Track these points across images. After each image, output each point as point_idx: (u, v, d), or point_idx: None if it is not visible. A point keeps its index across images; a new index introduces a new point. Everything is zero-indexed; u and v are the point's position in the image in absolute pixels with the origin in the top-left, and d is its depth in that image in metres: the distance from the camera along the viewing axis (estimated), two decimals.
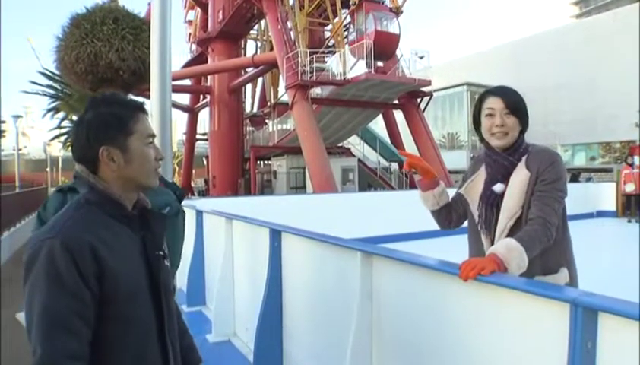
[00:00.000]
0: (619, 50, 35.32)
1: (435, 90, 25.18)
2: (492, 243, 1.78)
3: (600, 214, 13.26)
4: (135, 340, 1.17)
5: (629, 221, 12.03)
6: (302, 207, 8.92)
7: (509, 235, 1.71)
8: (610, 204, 12.41)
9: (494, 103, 1.78)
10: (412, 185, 25.05)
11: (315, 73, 19.32)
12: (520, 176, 1.75)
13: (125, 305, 1.16)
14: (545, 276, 1.70)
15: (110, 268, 1.14)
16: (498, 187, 1.78)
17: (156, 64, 3.58)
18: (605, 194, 12.69)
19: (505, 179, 1.78)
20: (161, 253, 1.29)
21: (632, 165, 12.45)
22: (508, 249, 1.53)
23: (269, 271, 3.10)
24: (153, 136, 1.28)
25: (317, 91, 21.79)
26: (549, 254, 1.67)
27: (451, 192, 2.09)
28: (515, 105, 1.78)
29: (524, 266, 1.54)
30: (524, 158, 1.79)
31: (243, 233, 3.98)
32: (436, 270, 1.72)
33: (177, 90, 28.07)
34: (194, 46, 31.25)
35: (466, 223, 2.00)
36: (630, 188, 12.11)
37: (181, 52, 39.79)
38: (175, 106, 32.31)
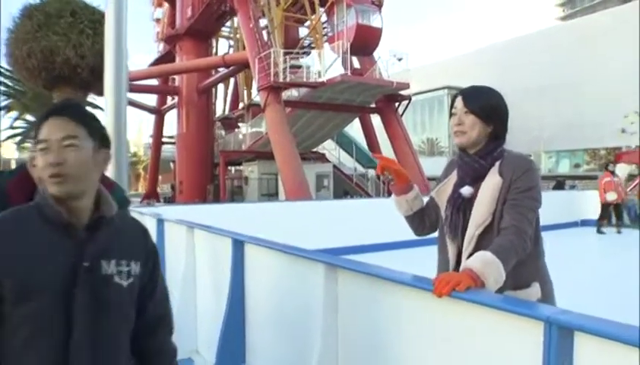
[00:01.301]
0: (605, 54, 36.24)
1: (414, 94, 25.41)
2: (458, 250, 1.77)
3: (585, 223, 13.47)
4: (27, 345, 1.21)
5: (600, 232, 12.24)
6: (274, 216, 8.96)
7: (478, 244, 1.70)
8: (595, 213, 12.63)
9: (457, 102, 1.82)
10: (389, 193, 25.07)
11: (289, 73, 19.35)
12: (491, 181, 1.75)
13: (16, 308, 1.20)
14: (516, 291, 1.68)
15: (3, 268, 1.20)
16: (465, 190, 1.79)
17: (110, 61, 3.48)
18: (590, 202, 12.90)
19: (475, 183, 1.79)
20: (99, 265, 1.28)
21: (612, 172, 12.67)
22: (484, 263, 1.51)
23: (231, 284, 3.08)
24: (44, 141, 1.27)
25: (293, 93, 21.76)
26: (520, 267, 1.65)
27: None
28: (476, 104, 1.79)
29: (501, 281, 1.52)
30: (497, 164, 1.79)
31: (205, 243, 3.93)
32: (408, 285, 1.68)
33: (143, 90, 27.71)
34: (161, 45, 30.94)
35: None
36: (612, 197, 12.30)
37: (149, 50, 39.38)
38: (141, 107, 31.88)
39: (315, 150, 26.31)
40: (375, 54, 22.83)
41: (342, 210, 10.05)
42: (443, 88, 45.06)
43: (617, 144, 30.71)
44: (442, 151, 45.56)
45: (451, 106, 1.86)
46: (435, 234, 2.00)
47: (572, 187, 22.76)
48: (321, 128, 23.37)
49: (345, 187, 24.68)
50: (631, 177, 14.98)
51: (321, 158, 26.45)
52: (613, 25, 36.31)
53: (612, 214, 12.64)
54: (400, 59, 22.27)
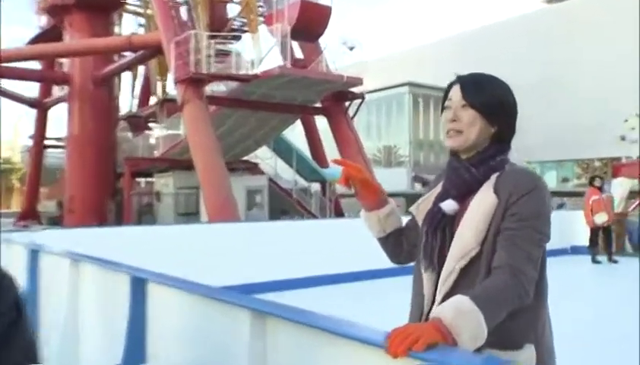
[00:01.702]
0: (600, 43, 38.13)
1: (368, 92, 25.88)
2: (435, 286, 1.76)
3: (576, 250, 13.86)
4: None
5: (595, 261, 12.67)
6: (193, 242, 8.99)
7: (458, 282, 1.69)
8: (584, 238, 13.10)
9: (453, 92, 1.83)
10: (338, 212, 25.49)
11: (214, 62, 19.39)
12: (484, 199, 1.73)
13: None
14: (502, 351, 1.64)
15: None
16: (447, 204, 1.79)
17: None
18: (581, 225, 13.35)
19: (462, 199, 1.79)
20: None
21: (600, 189, 13.02)
22: (458, 312, 1.47)
23: (128, 335, 3.05)
24: None
25: (220, 87, 21.87)
26: (512, 321, 1.61)
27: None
28: (477, 95, 1.79)
29: (481, 337, 1.48)
30: (494, 177, 1.77)
31: (95, 280, 3.93)
32: (355, 340, 1.60)
33: (18, 75, 26.57)
34: (44, 19, 29.84)
35: None
36: (601, 219, 12.65)
37: (28, 23, 38.03)
38: (17, 98, 30.64)
39: (245, 159, 26.32)
40: (322, 41, 23.14)
41: (279, 233, 10.14)
42: (404, 85, 46.18)
43: (615, 154, 32.10)
44: (402, 161, 46.46)
45: (444, 97, 1.86)
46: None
47: (560, 206, 23.54)
48: (253, 132, 23.48)
49: (283, 205, 24.74)
50: (632, 194, 15.64)
51: (254, 169, 26.55)
52: (610, 8, 38.18)
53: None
54: (352, 48, 22.72)
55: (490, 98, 1.79)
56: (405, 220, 2.07)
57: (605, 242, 13.02)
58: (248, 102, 21.20)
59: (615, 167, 16.78)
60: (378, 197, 2.00)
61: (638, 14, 34.63)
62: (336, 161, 2.00)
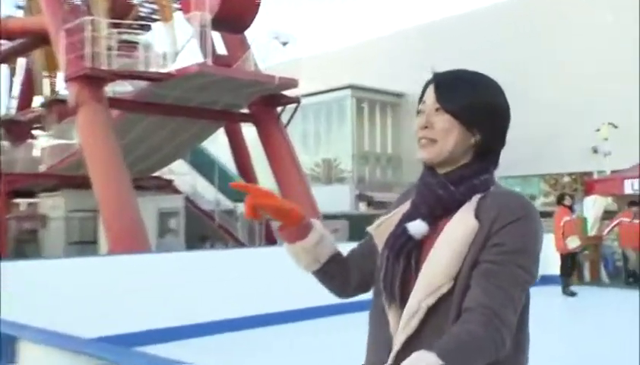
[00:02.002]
0: (568, 43, 39.37)
1: (304, 95, 26.01)
2: (398, 323, 1.76)
3: (547, 280, 14.14)
4: None
5: (568, 293, 12.94)
6: (88, 279, 8.61)
7: (425, 324, 1.69)
8: (556, 266, 13.33)
9: (427, 94, 1.85)
10: (269, 238, 25.39)
11: (117, 57, 19.11)
12: (461, 223, 1.73)
13: None
14: None
15: None
16: (415, 226, 1.79)
17: None
18: (551, 250, 13.62)
19: (434, 221, 1.79)
20: None
21: (571, 208, 13.40)
22: None
23: None
24: None
25: (126, 87, 21.55)
26: None
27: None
28: (453, 97, 1.79)
29: None
30: (476, 198, 1.77)
31: None
32: None
33: None
34: None
35: None
36: (574, 243, 12.96)
37: None
38: None
39: (157, 174, 26.06)
40: (250, 35, 23.10)
41: (198, 265, 10.03)
42: (346, 88, 46.70)
43: (585, 168, 33.12)
44: (344, 177, 46.76)
45: (420, 98, 1.87)
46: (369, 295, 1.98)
47: None
48: (167, 143, 23.22)
49: (203, 230, 24.62)
50: (607, 215, 16.10)
51: (167, 187, 26.37)
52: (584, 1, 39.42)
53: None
54: (285, 44, 22.73)
55: (469, 100, 1.78)
56: (343, 246, 2.06)
57: (572, 268, 13.36)
58: (160, 106, 20.84)
59: (587, 183, 17.24)
60: (299, 223, 1.96)
61: (614, 9, 36.07)
62: (236, 186, 1.98)
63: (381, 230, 1.93)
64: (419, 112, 1.84)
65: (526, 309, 1.74)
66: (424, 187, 1.84)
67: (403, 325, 1.71)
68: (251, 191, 1.88)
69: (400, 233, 1.80)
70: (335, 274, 2.03)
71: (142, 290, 8.72)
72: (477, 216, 1.72)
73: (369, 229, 1.97)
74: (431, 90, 1.82)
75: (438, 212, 1.79)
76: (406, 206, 1.90)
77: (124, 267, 9.39)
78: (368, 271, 1.98)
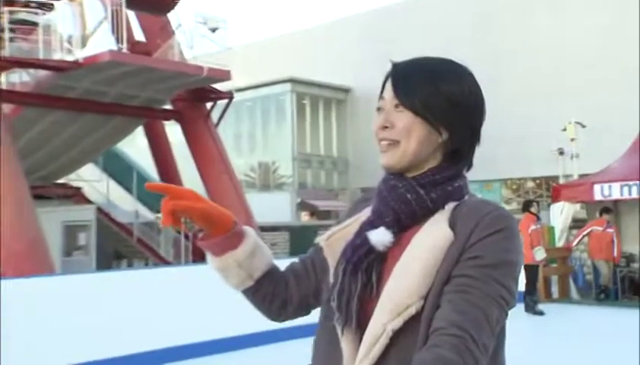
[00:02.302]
0: (532, 28, 39.99)
1: (238, 90, 25.88)
2: (355, 352, 1.74)
3: None
4: None
5: (533, 311, 13.06)
6: None
7: (390, 352, 1.67)
8: (521, 281, 13.42)
9: (386, 88, 1.84)
10: (199, 255, 25.04)
11: (10, 40, 19.02)
12: (433, 234, 1.72)
13: None
14: None
15: None
16: (378, 235, 1.76)
17: None
18: None
19: (400, 230, 1.77)
20: None
21: (537, 216, 13.58)
22: None
23: None
24: None
25: (22, 77, 21.15)
26: None
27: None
28: (413, 91, 1.78)
29: None
30: (449, 206, 1.76)
31: None
32: None
33: None
34: None
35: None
36: (541, 255, 13.20)
37: None
38: None
39: (62, 181, 25.95)
40: (173, 18, 22.80)
41: (113, 288, 9.68)
42: (285, 81, 46.64)
43: (550, 172, 33.64)
44: (284, 183, 46.65)
45: (380, 94, 1.84)
46: (311, 318, 1.98)
47: None
48: (73, 144, 23.05)
49: (119, 246, 24.74)
50: (577, 223, 16.27)
51: (75, 196, 26.25)
52: None
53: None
54: (214, 30, 22.70)
55: (429, 93, 1.77)
56: (283, 263, 2.04)
57: (532, 285, 13.37)
58: (65, 100, 20.69)
59: (553, 189, 17.40)
60: (229, 230, 1.89)
61: None
62: (151, 187, 1.85)
63: (333, 242, 1.91)
64: (378, 109, 1.82)
65: (502, 333, 1.73)
66: (388, 191, 1.82)
67: (363, 354, 1.68)
68: (170, 192, 1.79)
69: (360, 244, 1.77)
70: (271, 292, 2.00)
71: (41, 320, 8.39)
72: (452, 225, 1.71)
73: (319, 240, 1.94)
74: (389, 84, 1.81)
75: (405, 220, 1.77)
76: (363, 215, 1.88)
77: (17, 293, 9.04)
78: (311, 290, 1.99)
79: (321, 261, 1.95)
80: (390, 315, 1.67)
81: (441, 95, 1.77)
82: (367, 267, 1.76)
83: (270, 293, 2.01)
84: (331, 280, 1.86)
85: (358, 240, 1.79)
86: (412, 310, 1.65)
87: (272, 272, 2.01)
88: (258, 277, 1.97)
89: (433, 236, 1.71)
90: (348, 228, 1.90)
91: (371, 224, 1.80)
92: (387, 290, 1.71)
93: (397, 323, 1.66)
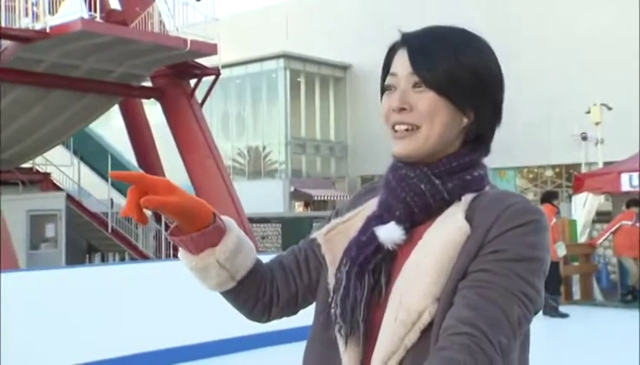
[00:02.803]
0: (546, 9, 40.05)
1: (225, 66, 25.92)
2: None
3: None
4: None
5: (554, 313, 13.11)
6: None
7: (403, 363, 1.63)
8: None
9: (398, 63, 1.77)
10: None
11: None
12: (447, 227, 1.68)
13: None
14: None
15: None
16: (388, 231, 1.72)
17: None
18: None
19: (413, 226, 1.74)
20: None
21: (557, 209, 13.67)
22: None
23: None
24: None
25: None
26: None
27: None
28: (439, 65, 1.71)
29: None
30: (466, 198, 1.71)
31: None
32: None
33: None
34: None
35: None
36: (562, 250, 13.24)
37: None
38: None
39: (28, 165, 26.13)
40: None
41: (85, 286, 9.63)
42: (278, 57, 46.70)
43: (572, 159, 33.65)
44: (275, 170, 46.74)
45: (384, 71, 1.79)
46: (301, 320, 2.01)
47: None
48: (40, 124, 23.11)
49: (92, 238, 24.80)
50: (601, 217, 16.25)
51: (43, 182, 26.30)
52: None
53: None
54: None
55: (455, 67, 1.72)
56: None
57: (560, 282, 13.47)
58: (30, 74, 20.72)
59: (576, 178, 17.25)
60: (206, 223, 1.80)
61: None
62: (117, 176, 1.73)
63: (333, 237, 1.86)
64: (386, 88, 1.76)
65: (526, 339, 1.72)
66: (398, 181, 1.77)
67: None
68: (135, 180, 1.67)
69: (366, 241, 1.73)
70: (255, 293, 1.95)
71: (4, 321, 8.24)
72: (469, 219, 1.66)
73: (317, 235, 1.89)
74: (402, 57, 1.74)
75: (418, 215, 1.73)
76: (368, 208, 1.85)
77: None
78: (302, 290, 1.95)
79: (316, 258, 1.92)
80: (404, 327, 1.63)
81: (465, 69, 1.72)
82: (375, 268, 1.73)
83: (254, 294, 1.97)
84: (330, 282, 1.82)
85: (364, 237, 1.76)
86: (426, 317, 1.61)
87: (256, 270, 1.95)
88: (241, 277, 1.91)
89: (447, 231, 1.67)
90: (350, 222, 1.88)
91: (379, 219, 1.77)
92: (396, 293, 1.68)
93: (414, 335, 1.62)
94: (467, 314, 1.55)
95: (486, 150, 1.84)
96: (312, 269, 1.95)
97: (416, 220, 1.74)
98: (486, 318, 1.55)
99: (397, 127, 1.73)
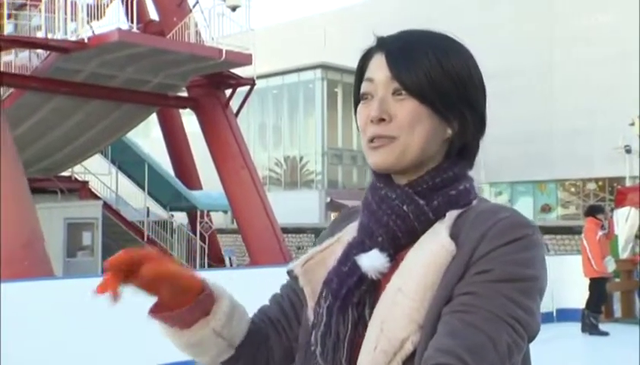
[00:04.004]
0: (594, 12, 39.55)
1: (261, 76, 25.85)
2: None
3: (564, 315, 14.15)
4: None
5: (595, 331, 12.88)
6: None
7: None
8: (579, 296, 13.22)
9: (374, 68, 1.68)
10: (215, 257, 25.24)
11: (7, 17, 19.19)
12: (430, 246, 1.59)
13: None
14: None
15: None
16: (371, 259, 1.63)
17: None
18: (571, 277, 13.52)
19: (396, 250, 1.64)
20: None
21: (602, 221, 13.43)
22: None
23: None
24: None
25: (20, 58, 21.13)
26: None
27: None
28: (420, 71, 1.61)
29: None
30: (450, 214, 1.62)
31: None
32: None
33: None
34: None
35: None
36: (612, 265, 13.01)
37: None
38: None
39: (66, 174, 26.10)
40: None
41: (124, 295, 9.58)
42: (315, 67, 46.55)
43: (616, 172, 33.25)
44: (311, 180, 46.68)
45: (358, 77, 1.73)
46: None
47: None
48: (78, 133, 23.18)
49: (127, 246, 23.87)
50: None
51: (80, 191, 26.45)
52: None
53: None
54: (235, 9, 22.73)
55: (444, 73, 1.64)
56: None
57: (599, 302, 13.20)
58: (69, 84, 20.70)
59: (618, 192, 17.01)
60: (200, 293, 1.71)
61: None
62: (113, 264, 1.56)
63: (311, 268, 1.76)
64: (363, 96, 1.67)
65: (527, 360, 1.65)
66: (379, 203, 1.68)
67: None
68: (129, 264, 1.56)
69: (348, 272, 1.64)
70: (253, 356, 1.85)
71: (39, 330, 8.41)
72: (454, 237, 1.56)
73: (293, 267, 1.78)
74: (380, 61, 1.65)
75: (402, 239, 1.63)
76: (347, 234, 1.76)
77: (11, 298, 9.08)
78: (293, 339, 1.82)
79: (299, 296, 1.83)
80: (385, 357, 1.54)
81: (448, 75, 1.63)
82: (359, 300, 1.65)
83: (252, 358, 1.87)
84: (310, 316, 1.74)
85: (345, 267, 1.67)
86: (409, 346, 1.53)
87: (251, 331, 1.86)
88: (240, 343, 1.82)
89: (431, 251, 1.58)
90: (329, 250, 1.79)
91: (360, 246, 1.68)
92: (377, 320, 1.59)
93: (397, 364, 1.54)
94: (448, 342, 1.46)
95: (471, 164, 1.74)
96: (299, 315, 1.85)
97: (400, 244, 1.65)
98: (469, 346, 1.45)
99: (374, 139, 1.64)
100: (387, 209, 1.66)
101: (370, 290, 1.64)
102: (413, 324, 1.53)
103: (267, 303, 1.92)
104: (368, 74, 1.69)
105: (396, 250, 1.63)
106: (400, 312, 1.55)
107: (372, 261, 1.63)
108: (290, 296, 1.86)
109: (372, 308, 1.62)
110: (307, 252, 1.83)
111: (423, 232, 1.63)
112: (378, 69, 1.65)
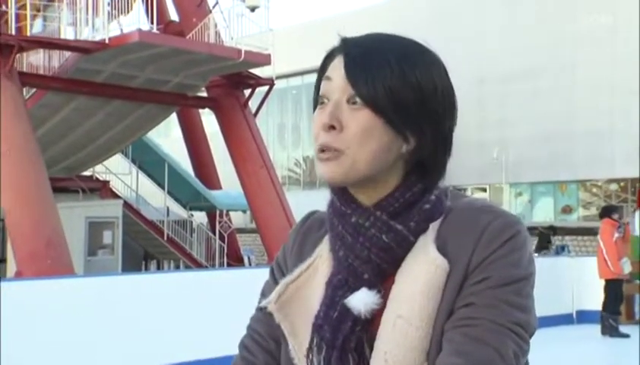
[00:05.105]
0: (609, 11, 39.24)
1: (280, 76, 25.83)
2: None
3: (583, 317, 14.10)
4: None
5: (615, 333, 12.75)
6: None
7: None
8: (599, 298, 13.10)
9: (333, 69, 1.58)
10: (234, 257, 25.17)
11: (30, 18, 19.25)
12: (422, 268, 1.51)
13: None
14: None
15: None
16: (360, 301, 1.55)
17: None
18: (592, 278, 13.43)
19: (383, 279, 1.56)
20: None
21: (618, 222, 13.40)
22: None
23: None
24: None
25: (43, 60, 21.20)
26: None
27: None
28: (377, 79, 1.51)
29: None
30: (433, 226, 1.54)
31: None
32: None
33: None
34: None
35: None
36: (628, 267, 12.98)
37: None
38: None
39: (87, 173, 26.33)
40: None
41: (140, 292, 9.85)
42: None
43: (637, 173, 32.91)
44: None
45: (318, 80, 1.61)
46: None
47: (562, 249, 24.08)
48: (101, 133, 23.28)
49: (148, 246, 25.27)
50: None
51: (101, 190, 26.60)
52: None
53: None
54: (254, 10, 22.78)
55: (405, 84, 1.52)
56: None
57: (618, 304, 13.11)
58: (90, 84, 20.80)
59: (639, 193, 16.85)
60: None
61: None
62: None
63: (287, 303, 1.66)
64: (320, 100, 1.57)
65: None
66: (353, 235, 1.57)
67: None
68: None
69: (339, 317, 1.55)
70: None
71: (61, 327, 8.47)
72: (443, 250, 1.50)
73: (266, 303, 1.66)
74: (340, 64, 1.54)
75: (388, 270, 1.55)
76: (320, 261, 1.67)
77: (35, 295, 9.16)
78: None
79: (275, 336, 1.72)
80: None
81: (409, 86, 1.52)
82: (357, 343, 1.57)
83: None
84: (293, 356, 1.65)
85: (334, 312, 1.58)
86: None
87: None
88: None
89: (423, 270, 1.52)
90: (302, 279, 1.69)
91: (344, 286, 1.60)
92: (379, 353, 1.53)
93: None
94: (455, 361, 1.43)
95: (439, 177, 1.62)
96: (276, 355, 1.75)
97: (386, 273, 1.56)
98: (476, 362, 1.43)
99: (323, 151, 1.54)
100: (365, 241, 1.57)
101: (365, 328, 1.56)
102: (419, 349, 1.49)
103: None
104: (327, 73, 1.58)
105: (383, 280, 1.56)
106: (404, 340, 1.50)
107: (362, 302, 1.56)
108: (271, 334, 1.73)
109: (370, 342, 1.55)
110: None
111: (405, 253, 1.55)
112: (336, 72, 1.56)
